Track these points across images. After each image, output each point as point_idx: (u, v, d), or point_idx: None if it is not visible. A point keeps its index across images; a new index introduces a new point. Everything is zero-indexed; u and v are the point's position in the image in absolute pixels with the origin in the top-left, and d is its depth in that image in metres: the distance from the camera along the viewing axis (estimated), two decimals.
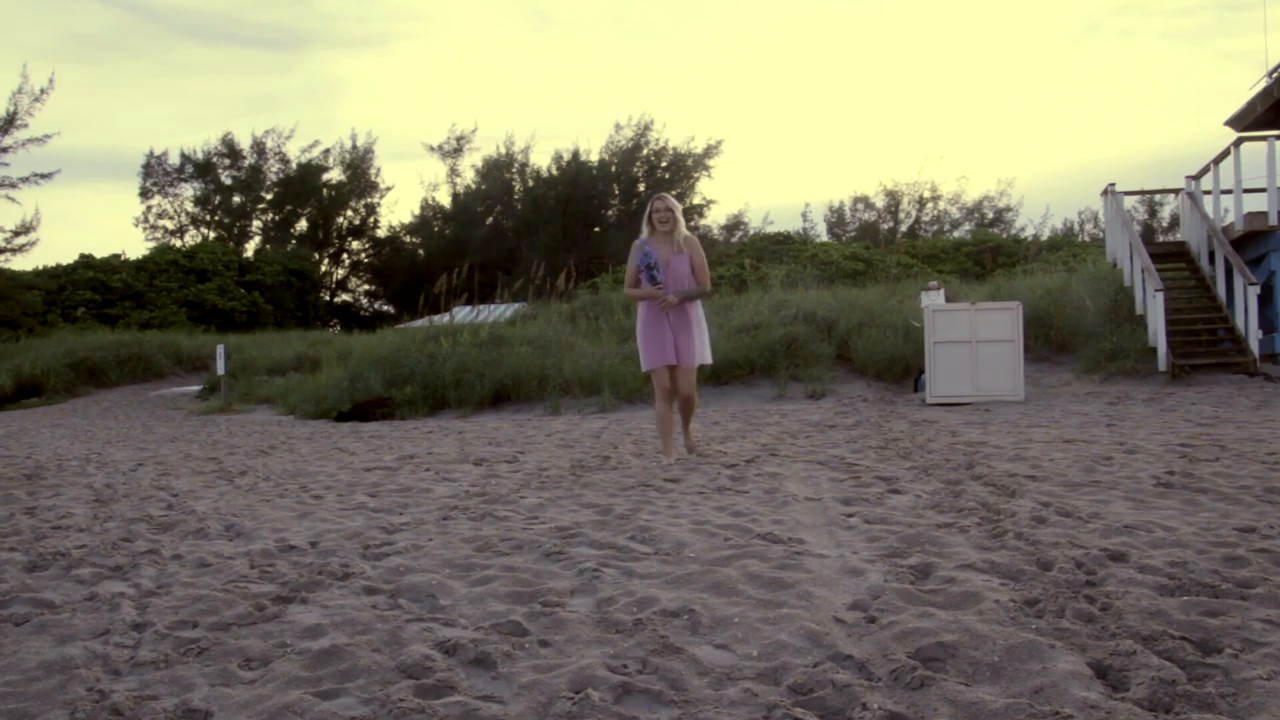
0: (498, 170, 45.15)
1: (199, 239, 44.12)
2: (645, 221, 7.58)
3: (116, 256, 38.77)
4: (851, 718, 2.48)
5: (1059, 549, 4.04)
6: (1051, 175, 63.20)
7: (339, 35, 64.64)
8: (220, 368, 20.04)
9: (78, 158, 61.64)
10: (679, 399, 7.60)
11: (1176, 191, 18.21)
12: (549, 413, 14.22)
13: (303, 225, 46.37)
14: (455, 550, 4.56)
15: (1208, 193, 16.93)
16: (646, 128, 44.03)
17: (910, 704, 2.55)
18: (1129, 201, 18.92)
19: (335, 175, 46.59)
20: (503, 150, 45.69)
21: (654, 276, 7.36)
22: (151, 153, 45.72)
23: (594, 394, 14.62)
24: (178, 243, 43.63)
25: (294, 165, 45.92)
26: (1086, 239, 37.64)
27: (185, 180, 45.52)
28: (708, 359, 7.70)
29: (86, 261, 37.23)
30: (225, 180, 45.72)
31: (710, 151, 43.88)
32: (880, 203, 44.85)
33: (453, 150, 46.51)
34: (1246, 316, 14.21)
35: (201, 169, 45.23)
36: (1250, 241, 15.72)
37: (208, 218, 45.75)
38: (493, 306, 24.11)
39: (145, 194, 45.26)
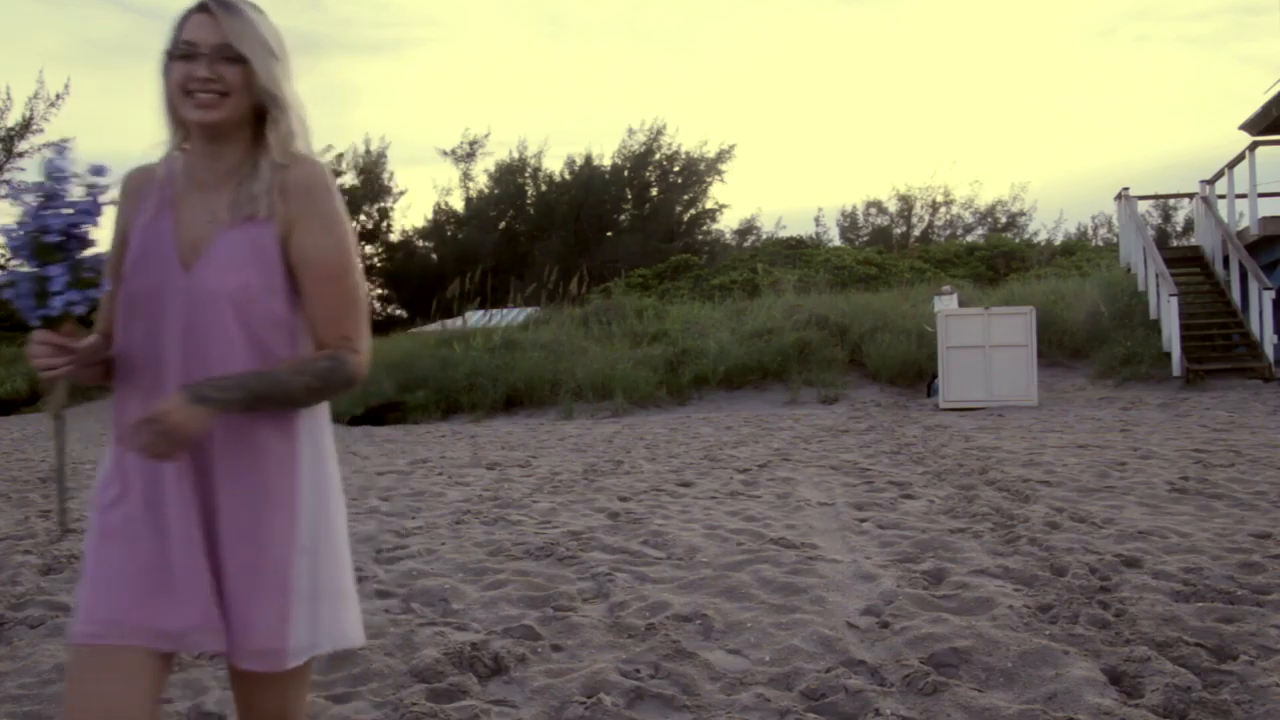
0: (510, 175, 45.23)
1: None
2: (165, 107, 1.70)
3: None
4: None
5: (1073, 555, 4.03)
6: (1065, 180, 62.95)
7: (353, 41, 64.91)
8: None
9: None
10: None
11: (1191, 196, 18.12)
12: (561, 417, 14.22)
13: None
14: (468, 554, 4.57)
15: (1222, 197, 16.83)
16: (659, 132, 44.03)
17: (923, 710, 2.54)
18: (1143, 206, 18.80)
19: (349, 180, 46.79)
20: (515, 155, 45.73)
21: (49, 307, 1.59)
22: None
23: (606, 398, 14.61)
24: None
25: None
26: (1100, 244, 37.43)
27: None
28: (354, 635, 1.90)
29: None
30: None
31: (723, 156, 43.81)
32: (893, 207, 44.70)
33: (466, 155, 46.60)
34: (1261, 321, 14.12)
35: None
36: (1265, 246, 15.61)
37: None
38: (505, 311, 24.12)
39: None
